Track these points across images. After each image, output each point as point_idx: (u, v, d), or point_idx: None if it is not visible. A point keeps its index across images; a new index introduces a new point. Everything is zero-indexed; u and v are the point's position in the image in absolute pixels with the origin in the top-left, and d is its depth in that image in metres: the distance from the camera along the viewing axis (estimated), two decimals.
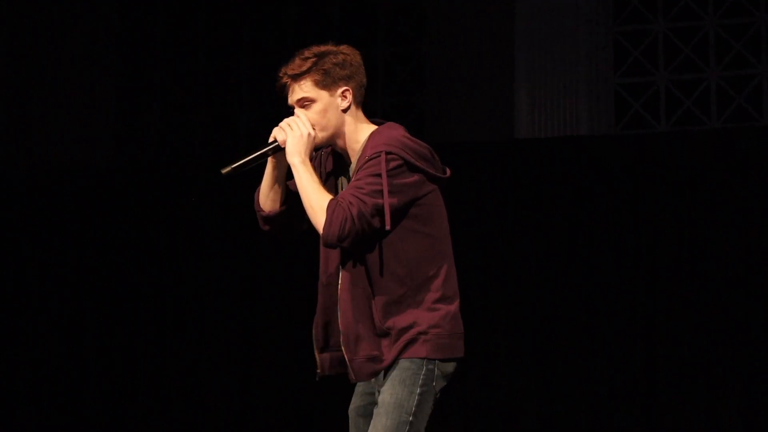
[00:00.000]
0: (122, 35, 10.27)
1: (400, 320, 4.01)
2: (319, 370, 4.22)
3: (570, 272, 8.23)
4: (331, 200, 3.94)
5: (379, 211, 3.92)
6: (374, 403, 4.11)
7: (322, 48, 4.08)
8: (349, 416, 4.25)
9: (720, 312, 8.01)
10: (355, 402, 4.23)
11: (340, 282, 4.10)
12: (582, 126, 9.11)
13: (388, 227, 3.91)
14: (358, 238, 3.92)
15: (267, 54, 10.00)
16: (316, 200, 3.96)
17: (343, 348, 4.10)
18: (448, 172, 4.12)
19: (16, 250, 9.17)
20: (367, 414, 4.17)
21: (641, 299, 8.14)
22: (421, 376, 4.01)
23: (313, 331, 4.19)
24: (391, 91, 9.78)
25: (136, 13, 10.29)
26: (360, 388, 4.22)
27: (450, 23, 9.46)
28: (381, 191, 3.91)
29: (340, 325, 4.11)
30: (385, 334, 4.01)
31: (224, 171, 4.08)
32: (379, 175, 3.92)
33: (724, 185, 8.11)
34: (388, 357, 4.01)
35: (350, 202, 3.89)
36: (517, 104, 9.20)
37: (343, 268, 4.09)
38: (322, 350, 4.19)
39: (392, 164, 3.94)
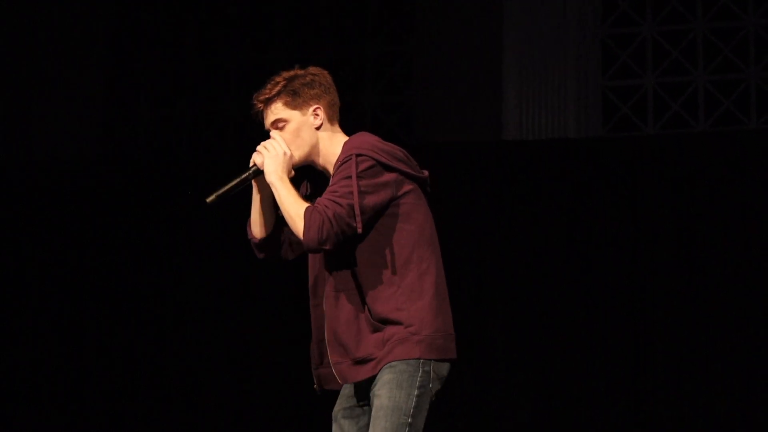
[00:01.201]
0: (112, 30, 10.23)
1: (391, 319, 4.04)
2: (316, 386, 4.28)
3: (558, 274, 8.22)
4: (307, 207, 4.02)
5: (355, 211, 3.98)
6: (359, 406, 4.14)
7: (291, 72, 4.23)
8: (334, 418, 4.26)
9: (707, 315, 8.02)
10: (341, 404, 4.25)
11: (326, 286, 4.14)
12: (570, 128, 9.12)
13: (359, 230, 3.97)
14: (339, 240, 3.99)
15: (256, 50, 9.99)
16: (294, 210, 4.04)
17: (328, 351, 4.12)
18: (426, 173, 4.18)
19: (4, 245, 9.14)
20: (353, 416, 4.19)
21: (630, 301, 8.14)
22: (418, 378, 4.03)
23: (310, 350, 4.25)
24: (380, 90, 9.76)
25: (127, 8, 10.25)
26: (346, 390, 4.23)
27: (439, 23, 9.45)
28: (352, 192, 3.99)
29: (326, 330, 4.14)
30: (376, 331, 4.03)
31: (208, 200, 4.19)
32: (350, 177, 4.00)
33: (712, 189, 8.12)
34: (379, 356, 4.03)
35: (325, 206, 3.98)
36: (505, 105, 9.20)
37: (327, 273, 4.13)
38: (317, 367, 4.24)
39: (363, 165, 4.03)
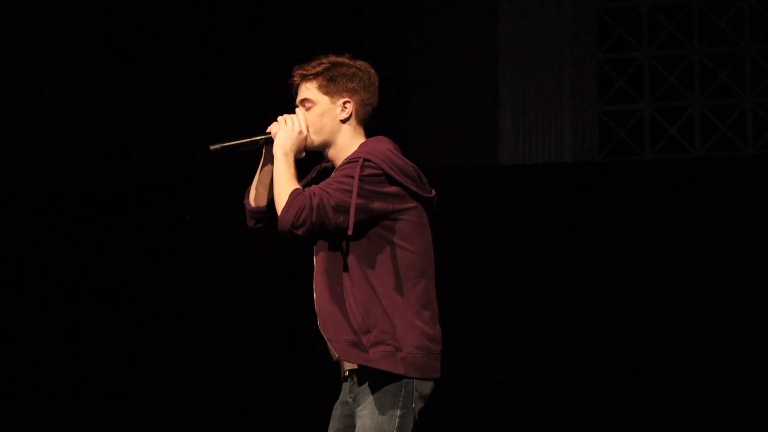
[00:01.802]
0: (106, 51, 10.24)
1: (381, 324, 3.99)
2: (333, 357, 4.17)
3: (555, 298, 8.22)
4: (296, 188, 4.00)
5: (344, 209, 3.94)
6: (351, 426, 4.11)
7: (340, 58, 4.20)
8: (334, 408, 4.22)
9: (700, 336, 8.03)
10: (333, 426, 4.21)
11: (315, 267, 4.12)
12: (566, 152, 9.11)
13: (350, 231, 3.93)
14: (315, 230, 3.95)
15: (249, 70, 9.99)
16: (283, 187, 4.02)
17: (320, 329, 4.09)
18: (433, 192, 4.14)
19: (3, 262, 9.18)
20: (344, 414, 4.16)
21: (623, 325, 8.14)
22: (401, 399, 4.00)
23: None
24: (375, 113, 9.74)
25: (120, 28, 10.27)
26: (338, 411, 4.20)
27: (434, 47, 9.46)
28: (350, 191, 3.94)
29: (316, 308, 4.12)
30: (367, 331, 3.99)
31: (213, 147, 4.20)
32: (352, 177, 3.96)
33: (709, 213, 8.12)
34: (371, 355, 3.98)
35: (314, 193, 3.95)
36: (501, 130, 9.20)
37: (318, 257, 4.11)
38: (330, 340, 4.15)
39: (368, 171, 3.99)
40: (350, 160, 4.03)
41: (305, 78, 4.18)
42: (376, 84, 4.22)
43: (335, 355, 4.08)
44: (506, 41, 9.29)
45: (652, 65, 9.38)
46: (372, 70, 4.21)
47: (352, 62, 4.18)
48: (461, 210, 8.37)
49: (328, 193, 3.94)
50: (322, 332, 4.09)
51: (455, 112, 9.27)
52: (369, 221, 4.01)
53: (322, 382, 4.41)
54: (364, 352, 3.99)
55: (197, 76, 10.11)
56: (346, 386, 4.17)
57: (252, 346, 8.75)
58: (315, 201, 3.92)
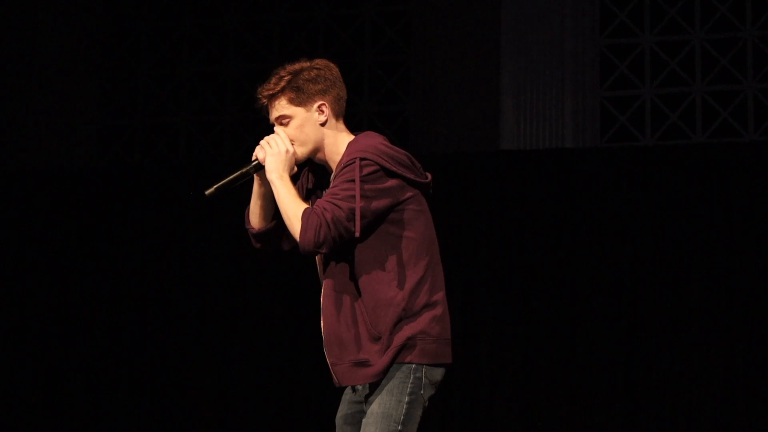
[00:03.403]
0: (108, 39, 10.25)
1: (390, 325, 4.00)
2: (335, 381, 4.17)
3: (554, 283, 8.23)
4: (306, 208, 3.99)
5: (355, 215, 3.95)
6: (362, 412, 4.10)
7: (296, 65, 4.16)
8: (336, 424, 4.22)
9: (700, 323, 8.04)
10: (342, 410, 4.21)
11: (323, 287, 4.11)
12: (567, 138, 9.12)
13: (357, 234, 3.94)
14: (336, 244, 3.96)
15: (252, 57, 9.99)
16: (292, 210, 4.01)
17: (325, 352, 4.10)
18: (429, 176, 4.15)
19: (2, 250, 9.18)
20: (354, 422, 4.16)
21: (625, 310, 8.16)
22: (409, 384, 4.00)
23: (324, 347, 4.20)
24: (377, 99, 9.76)
25: (121, 15, 10.26)
26: (347, 396, 4.20)
27: (436, 33, 9.45)
28: (354, 196, 3.95)
29: (322, 330, 4.10)
30: (376, 338, 4.00)
31: (208, 192, 4.16)
32: (353, 181, 3.97)
33: (708, 200, 8.13)
34: (379, 364, 3.99)
35: (324, 209, 3.94)
36: (502, 115, 9.20)
37: (325, 273, 4.10)
38: (334, 364, 4.14)
39: (366, 170, 3.99)
40: (347, 163, 4.02)
41: (273, 97, 4.14)
42: (340, 76, 4.19)
43: (337, 381, 4.09)
44: (508, 27, 9.29)
45: (654, 51, 9.38)
46: (332, 64, 4.19)
47: (310, 64, 4.16)
48: (463, 195, 8.38)
49: (336, 205, 3.95)
50: (327, 357, 4.09)
51: (457, 98, 9.27)
52: (377, 220, 4.02)
53: (317, 384, 4.39)
54: (369, 368, 4.00)
55: (199, 61, 10.11)
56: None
57: (252, 334, 8.74)
58: (328, 217, 3.93)
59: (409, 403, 4.00)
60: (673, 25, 9.37)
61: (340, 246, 3.99)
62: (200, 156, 9.95)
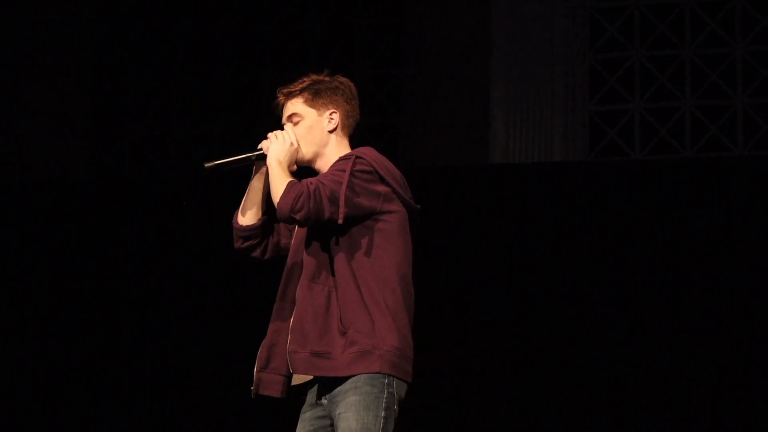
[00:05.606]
0: (98, 47, 10.24)
1: (358, 323, 4.05)
2: (253, 388, 4.30)
3: (542, 298, 8.24)
4: (292, 179, 4.10)
5: (337, 200, 4.03)
6: (327, 427, 4.13)
7: (320, 75, 4.35)
8: (300, 419, 4.24)
9: (692, 339, 8.05)
10: (304, 428, 4.22)
11: (301, 276, 4.16)
12: (556, 152, 9.13)
13: (340, 220, 4.00)
14: (311, 216, 4.01)
15: (243, 69, 10.00)
16: (280, 183, 4.11)
17: (289, 338, 4.13)
18: (418, 207, 4.22)
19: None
20: (314, 416, 4.17)
21: (614, 324, 8.16)
22: (384, 399, 4.03)
23: (259, 351, 4.28)
24: (367, 112, 9.76)
25: (112, 26, 10.26)
26: (306, 414, 4.22)
27: (427, 46, 9.47)
28: (341, 183, 4.03)
29: (292, 318, 4.15)
30: (343, 333, 4.04)
31: (207, 165, 4.31)
32: (344, 171, 4.06)
33: (698, 214, 8.14)
34: (341, 359, 4.03)
35: (310, 182, 4.06)
36: (492, 129, 9.22)
37: (305, 264, 4.16)
38: (261, 370, 4.27)
39: (359, 167, 4.09)
40: (343, 158, 4.13)
41: (291, 95, 4.31)
42: (357, 98, 4.36)
43: (291, 368, 4.12)
44: (498, 41, 9.31)
45: (644, 65, 9.40)
46: (352, 85, 4.37)
47: (332, 78, 4.34)
48: (452, 209, 8.38)
49: (323, 183, 4.04)
50: (287, 346, 4.14)
51: (447, 112, 9.29)
52: (356, 217, 4.07)
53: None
54: (328, 361, 4.04)
55: (191, 72, 10.11)
56: (312, 390, 4.20)
57: (247, 345, 8.72)
58: (312, 188, 4.01)
59: (385, 417, 4.04)
60: (663, 40, 9.39)
61: (315, 224, 4.05)
62: (191, 167, 9.94)
